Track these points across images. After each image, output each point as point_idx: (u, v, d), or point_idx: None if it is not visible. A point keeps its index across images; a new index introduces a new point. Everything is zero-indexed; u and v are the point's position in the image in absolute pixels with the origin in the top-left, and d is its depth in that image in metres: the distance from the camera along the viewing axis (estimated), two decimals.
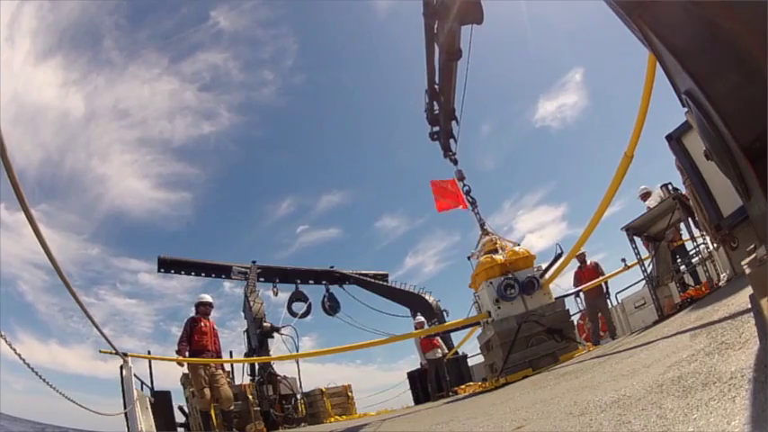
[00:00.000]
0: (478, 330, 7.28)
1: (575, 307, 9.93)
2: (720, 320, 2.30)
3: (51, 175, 39.17)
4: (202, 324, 6.36)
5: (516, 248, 6.70)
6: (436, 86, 7.08)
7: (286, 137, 46.53)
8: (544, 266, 6.47)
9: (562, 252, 6.17)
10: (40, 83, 37.02)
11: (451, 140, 7.71)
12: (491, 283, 6.19)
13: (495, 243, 6.80)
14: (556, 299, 6.34)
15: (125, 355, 5.56)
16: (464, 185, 7.43)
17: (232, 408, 6.44)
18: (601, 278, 8.81)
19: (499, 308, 6.10)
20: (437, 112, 7.50)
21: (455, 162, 7.71)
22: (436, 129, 7.74)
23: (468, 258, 7.18)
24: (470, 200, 7.36)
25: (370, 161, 51.51)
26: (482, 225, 7.26)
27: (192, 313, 6.63)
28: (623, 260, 7.82)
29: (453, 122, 7.46)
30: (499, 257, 6.43)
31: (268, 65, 44.36)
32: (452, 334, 12.20)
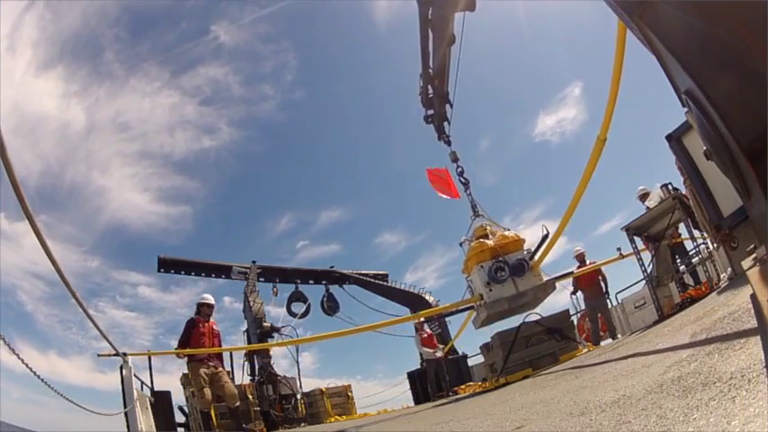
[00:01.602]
0: (475, 319, 7.27)
1: (573, 307, 9.90)
2: (720, 320, 2.29)
3: (51, 186, 39.03)
4: (200, 326, 6.31)
5: (506, 233, 6.77)
6: (430, 71, 7.25)
7: (286, 152, 46.54)
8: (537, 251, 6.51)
9: (548, 233, 6.22)
10: (40, 93, 36.89)
11: (445, 123, 7.89)
12: (482, 266, 6.31)
13: (486, 229, 6.90)
14: (547, 281, 6.37)
15: (124, 354, 5.57)
16: (458, 167, 7.56)
17: (238, 404, 6.41)
18: (593, 265, 8.74)
19: (491, 290, 6.22)
20: (431, 95, 7.69)
21: (449, 144, 7.86)
22: (431, 112, 7.93)
23: (460, 245, 7.28)
24: (463, 180, 7.48)
25: (370, 177, 51.52)
26: (474, 207, 7.34)
27: (194, 314, 6.59)
28: (618, 249, 7.84)
29: (447, 106, 7.66)
30: (489, 242, 6.52)
31: (268, 80, 44.35)
32: (452, 334, 12.21)
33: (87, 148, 41.68)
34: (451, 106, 7.62)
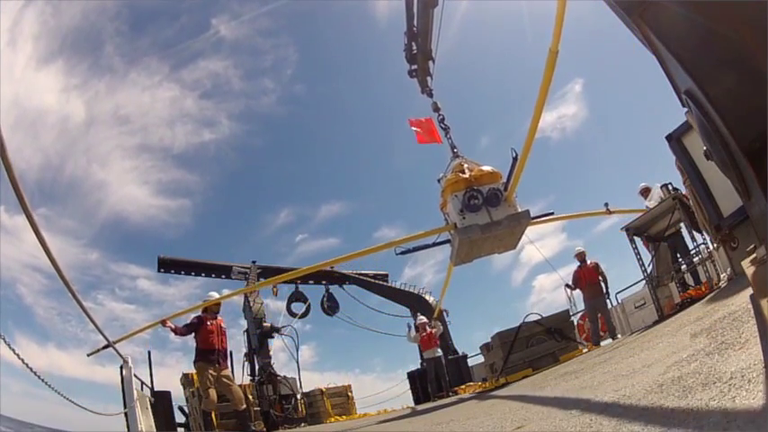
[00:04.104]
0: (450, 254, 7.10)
1: (567, 302, 9.66)
2: (720, 320, 2.29)
3: (51, 179, 38.86)
4: (208, 323, 6.35)
5: (484, 167, 6.72)
6: (415, 29, 7.56)
7: (286, 146, 46.44)
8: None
9: (517, 155, 5.96)
10: (41, 87, 36.79)
11: (428, 78, 8.21)
12: (456, 196, 6.26)
13: (463, 165, 6.86)
14: (521, 210, 6.25)
15: (114, 343, 5.60)
16: (439, 115, 7.76)
17: (245, 407, 6.42)
18: (577, 214, 8.62)
19: (464, 218, 6.14)
20: (415, 52, 8.02)
21: (431, 95, 8.13)
22: (414, 67, 8.22)
23: (438, 181, 7.21)
24: (444, 127, 7.65)
25: (370, 172, 51.38)
26: (453, 148, 7.41)
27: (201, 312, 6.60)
28: (606, 204, 7.79)
29: (430, 62, 8.01)
30: (465, 175, 6.50)
31: (268, 74, 44.24)
32: (452, 336, 12.19)
33: (87, 142, 41.61)
34: (434, 62, 8.00)
